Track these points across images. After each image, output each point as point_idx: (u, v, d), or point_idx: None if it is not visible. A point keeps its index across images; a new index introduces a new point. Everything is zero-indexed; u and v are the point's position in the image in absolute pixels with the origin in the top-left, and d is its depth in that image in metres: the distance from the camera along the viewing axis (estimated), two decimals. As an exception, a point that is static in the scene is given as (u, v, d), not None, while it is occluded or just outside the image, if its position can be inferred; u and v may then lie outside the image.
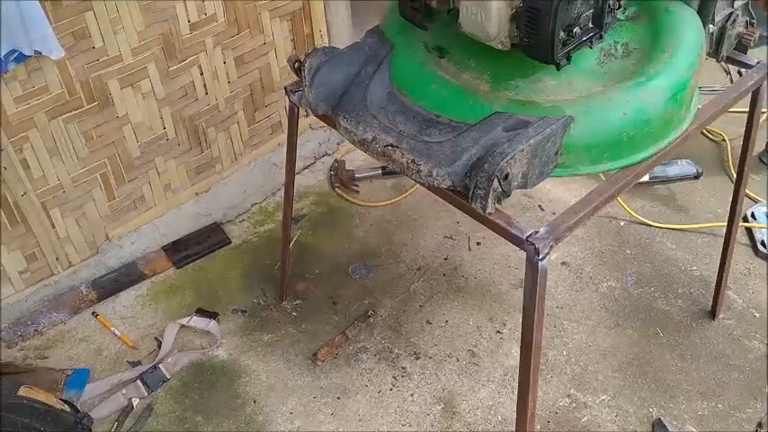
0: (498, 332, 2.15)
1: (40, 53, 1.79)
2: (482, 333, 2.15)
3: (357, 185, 2.63)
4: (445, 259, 2.38)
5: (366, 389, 2.02)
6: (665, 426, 1.88)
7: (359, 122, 1.47)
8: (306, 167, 2.73)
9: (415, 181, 1.41)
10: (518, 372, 1.45)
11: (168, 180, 2.39)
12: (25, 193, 2.03)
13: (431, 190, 1.41)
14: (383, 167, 2.66)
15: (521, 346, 1.45)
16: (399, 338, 2.14)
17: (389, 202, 2.58)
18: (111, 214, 2.28)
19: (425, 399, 1.99)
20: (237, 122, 2.50)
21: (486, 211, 1.31)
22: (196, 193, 2.50)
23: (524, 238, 1.33)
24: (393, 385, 2.03)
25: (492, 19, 1.35)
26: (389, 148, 1.41)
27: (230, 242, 2.45)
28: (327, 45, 1.98)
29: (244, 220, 2.54)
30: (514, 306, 2.22)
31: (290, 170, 1.92)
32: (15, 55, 1.79)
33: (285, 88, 1.72)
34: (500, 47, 1.40)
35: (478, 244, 2.43)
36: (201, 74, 2.30)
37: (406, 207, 2.57)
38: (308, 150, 2.74)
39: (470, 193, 1.32)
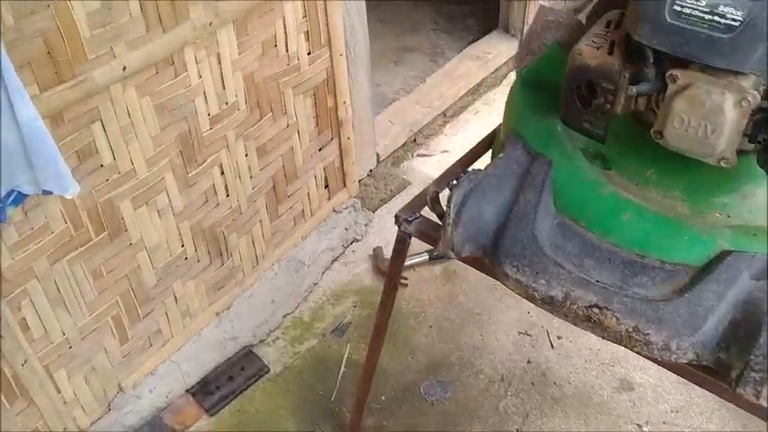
0: (618, 453, 1.82)
1: (51, 192, 1.32)
2: (600, 457, 1.81)
3: (404, 278, 2.24)
4: (528, 362, 2.03)
5: None
6: None
7: (537, 273, 1.10)
8: (335, 260, 2.33)
9: (639, 353, 1.05)
10: None
11: (186, 305, 1.94)
12: (26, 362, 1.55)
13: (660, 364, 1.06)
14: (431, 251, 2.29)
15: None
16: (505, 477, 1.78)
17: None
18: (124, 360, 1.82)
19: None
20: (260, 221, 2.08)
21: (760, 399, 0.98)
22: (216, 314, 2.06)
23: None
24: None
25: (723, 134, 1.01)
26: (595, 310, 1.05)
27: (269, 370, 2.02)
28: (465, 169, 1.58)
29: (278, 338, 2.11)
30: (623, 415, 1.90)
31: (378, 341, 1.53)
32: (14, 196, 1.32)
33: (398, 217, 1.33)
34: (723, 164, 1.06)
35: (559, 338, 2.09)
36: (222, 173, 1.87)
37: (463, 298, 2.21)
38: (333, 238, 2.34)
39: (736, 373, 0.97)
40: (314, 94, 2.08)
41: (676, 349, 1.01)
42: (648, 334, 1.02)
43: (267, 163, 2.01)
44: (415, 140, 2.75)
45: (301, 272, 2.23)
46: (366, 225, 2.43)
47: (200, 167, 1.79)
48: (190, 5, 1.55)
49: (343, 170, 2.35)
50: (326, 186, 2.32)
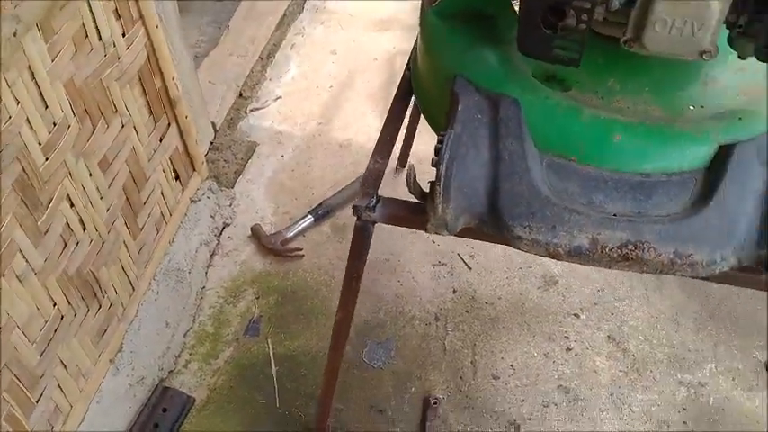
0: (569, 349, 1.85)
1: None
2: (555, 360, 1.83)
3: (296, 249, 2.05)
4: (454, 292, 1.97)
5: (499, 497, 1.61)
6: None
7: (554, 226, 1.00)
8: (213, 254, 2.06)
9: (683, 275, 1.00)
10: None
11: (76, 366, 1.61)
12: None
13: (702, 278, 1.02)
14: (314, 211, 2.10)
15: None
16: (481, 415, 1.74)
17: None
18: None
19: (563, 469, 1.65)
20: (123, 242, 1.75)
21: (812, 282, 0.97)
22: (110, 361, 1.74)
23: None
24: (521, 474, 1.65)
25: (711, 27, 0.95)
26: (630, 247, 0.98)
27: (194, 400, 1.77)
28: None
29: (189, 362, 1.84)
30: (558, 309, 1.93)
31: (343, 329, 1.35)
32: None
33: (356, 208, 1.13)
34: (705, 58, 1.00)
35: (472, 257, 2.05)
36: (72, 205, 1.52)
37: (364, 250, 2.07)
38: (203, 231, 2.06)
39: (784, 267, 0.96)
40: (140, 80, 1.74)
41: (721, 261, 0.97)
42: (691, 255, 0.97)
43: (113, 175, 1.67)
44: (241, 95, 2.47)
45: (184, 281, 1.95)
46: (230, 205, 2.17)
47: (48, 209, 1.43)
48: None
49: (188, 154, 2.04)
50: (177, 178, 2.01)
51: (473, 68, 1.12)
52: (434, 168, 1.01)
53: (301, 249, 2.04)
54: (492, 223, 1.03)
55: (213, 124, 2.28)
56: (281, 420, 1.72)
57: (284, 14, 2.69)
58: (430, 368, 1.81)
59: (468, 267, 2.02)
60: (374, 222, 1.16)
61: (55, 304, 1.51)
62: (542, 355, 1.84)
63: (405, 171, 1.08)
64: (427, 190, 1.04)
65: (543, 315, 1.92)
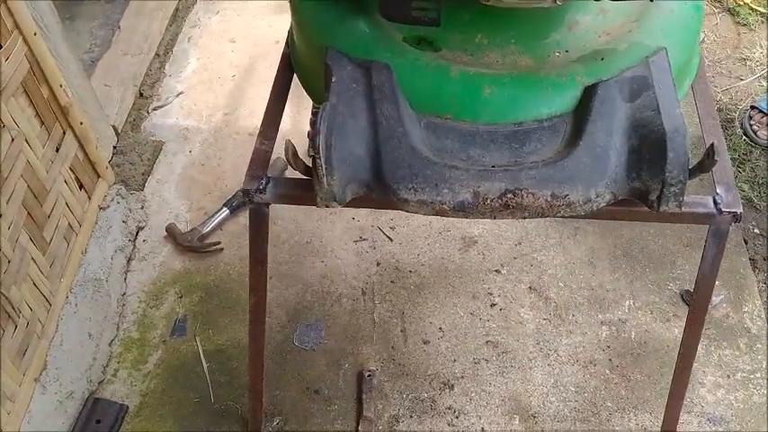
0: (493, 305, 1.89)
1: None
2: (482, 317, 1.87)
3: (215, 243, 2.03)
4: (378, 265, 1.99)
5: (439, 456, 1.64)
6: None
7: (436, 184, 1.01)
8: (130, 259, 2.02)
9: (563, 217, 1.03)
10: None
11: (1, 391, 1.57)
12: None
13: (582, 217, 1.05)
14: (228, 203, 2.08)
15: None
16: (415, 380, 1.76)
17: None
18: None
19: (497, 421, 1.69)
20: (32, 258, 1.71)
21: (683, 209, 1.01)
22: (35, 380, 1.70)
23: (717, 210, 1.07)
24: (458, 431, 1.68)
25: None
26: (509, 196, 1.00)
27: (128, 407, 1.74)
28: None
29: (118, 370, 1.81)
30: (480, 268, 1.96)
31: (259, 305, 1.34)
32: None
33: (246, 191, 1.13)
34: (559, 3, 1.02)
35: (392, 228, 2.07)
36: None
37: (285, 234, 2.06)
38: (116, 237, 2.02)
39: (655, 195, 1.00)
40: (25, 91, 1.68)
41: (596, 197, 1.00)
42: (567, 195, 1.00)
43: (10, 192, 1.62)
44: (142, 95, 2.42)
45: (102, 290, 1.91)
46: (142, 208, 2.13)
47: (-61, 234, 1.39)
48: None
49: (90, 161, 1.99)
50: (81, 187, 1.96)
51: (344, 39, 1.12)
52: (309, 139, 1.01)
53: (219, 243, 2.02)
54: (378, 189, 1.04)
55: (114, 128, 2.23)
56: (218, 416, 1.72)
57: (177, 8, 2.64)
58: (361, 342, 1.83)
59: (390, 239, 2.04)
60: (267, 204, 1.15)
61: (-35, 332, 1.46)
62: (469, 314, 1.87)
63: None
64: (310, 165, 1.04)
65: (466, 275, 1.95)
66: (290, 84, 1.30)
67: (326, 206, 1.06)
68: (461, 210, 1.01)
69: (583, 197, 1.00)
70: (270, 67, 2.51)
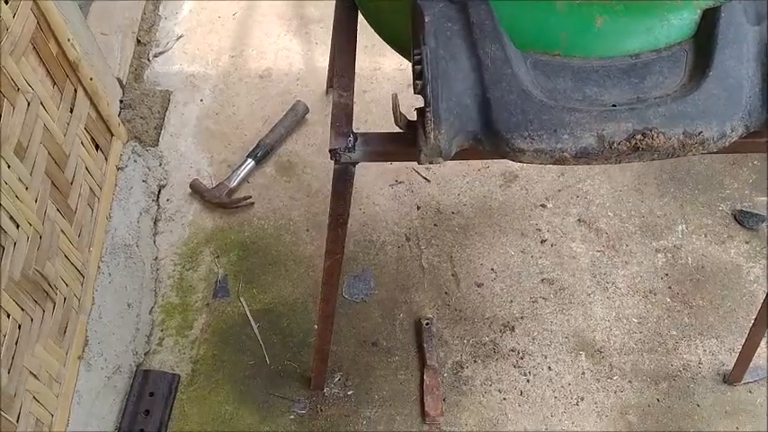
0: (543, 241, 1.83)
1: None
2: (533, 254, 1.81)
3: (245, 198, 1.92)
4: (418, 208, 1.91)
5: (510, 402, 1.61)
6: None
7: (555, 130, 0.92)
8: (156, 220, 1.91)
9: (695, 154, 0.95)
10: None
11: (47, 373, 1.48)
12: None
13: (715, 152, 0.97)
14: (252, 154, 1.96)
15: None
16: (473, 324, 1.72)
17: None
18: (26, 484, 1.37)
19: (563, 359, 1.66)
20: (62, 230, 1.59)
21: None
22: (79, 357, 1.62)
23: None
24: (525, 373, 1.64)
25: None
26: (638, 137, 0.92)
27: (180, 377, 1.67)
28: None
29: (163, 339, 1.73)
30: (525, 204, 1.89)
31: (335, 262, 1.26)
32: None
33: (333, 151, 1.03)
34: None
35: (428, 168, 1.98)
36: (11, 219, 1.35)
37: (316, 183, 1.96)
38: (139, 199, 1.90)
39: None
40: (35, 48, 1.53)
41: (731, 132, 0.93)
42: (701, 132, 0.91)
43: (32, 161, 1.50)
44: (139, 42, 2.25)
45: (134, 255, 1.80)
46: (161, 165, 2.00)
47: (-25, 216, 1.27)
48: None
49: (102, 119, 1.85)
50: (97, 147, 1.82)
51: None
52: (417, 93, 0.91)
53: (250, 197, 1.91)
54: (488, 140, 0.94)
55: (119, 80, 2.07)
56: (276, 376, 1.65)
57: (164, -57, 2.43)
58: (413, 290, 1.77)
59: (427, 180, 1.95)
60: (355, 163, 1.05)
61: (9, 315, 1.36)
62: (519, 252, 1.81)
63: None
64: (412, 118, 0.94)
65: (511, 212, 1.88)
66: (356, 24, 1.18)
67: (430, 163, 0.96)
68: (584, 156, 0.93)
69: (718, 133, 0.92)
70: (273, 0, 2.35)
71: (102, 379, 1.64)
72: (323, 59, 2.17)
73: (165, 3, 2.38)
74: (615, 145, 0.92)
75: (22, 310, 1.40)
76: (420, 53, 0.91)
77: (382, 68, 2.15)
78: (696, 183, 1.90)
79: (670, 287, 1.74)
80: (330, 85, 2.08)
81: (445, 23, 0.96)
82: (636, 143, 0.91)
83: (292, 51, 2.21)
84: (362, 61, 2.01)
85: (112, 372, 1.66)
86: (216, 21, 2.33)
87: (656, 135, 0.91)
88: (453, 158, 0.97)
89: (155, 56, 2.25)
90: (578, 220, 1.86)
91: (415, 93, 0.91)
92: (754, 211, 1.81)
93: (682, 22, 0.97)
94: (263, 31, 2.28)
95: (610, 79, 0.96)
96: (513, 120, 0.92)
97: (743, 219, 1.81)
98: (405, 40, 1.04)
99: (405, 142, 0.98)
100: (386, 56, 2.14)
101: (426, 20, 0.96)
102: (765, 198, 1.84)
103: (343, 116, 1.05)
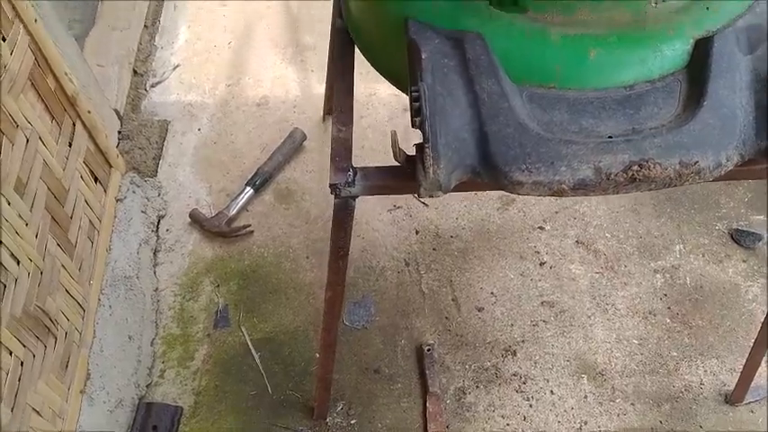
0: (542, 263, 1.84)
1: None
2: (533, 277, 1.82)
3: (245, 226, 1.92)
4: (417, 233, 1.91)
5: (513, 428, 1.61)
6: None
7: (552, 163, 0.93)
8: (156, 251, 1.91)
9: (691, 184, 0.96)
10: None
11: (50, 409, 1.48)
12: None
13: (710, 181, 0.98)
14: (251, 182, 1.97)
15: None
16: (475, 349, 1.72)
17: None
18: None
19: (565, 382, 1.66)
20: (62, 265, 1.60)
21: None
22: (81, 392, 1.61)
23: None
24: (528, 398, 1.64)
25: None
26: (635, 168, 0.93)
27: (182, 409, 1.66)
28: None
29: (165, 371, 1.73)
30: (523, 227, 1.90)
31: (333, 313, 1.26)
32: None
33: (334, 186, 1.03)
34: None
35: (425, 193, 1.98)
36: (11, 256, 1.36)
37: (315, 210, 1.97)
38: (138, 230, 1.90)
39: (787, 153, 0.93)
40: (33, 84, 1.54)
41: (726, 161, 0.94)
42: (697, 162, 0.93)
43: (32, 197, 1.50)
44: (135, 72, 2.26)
45: (134, 287, 1.80)
46: (159, 195, 2.01)
47: (-23, 257, 1.27)
48: None
49: (101, 151, 1.86)
50: (96, 180, 1.83)
51: (423, 8, 1.02)
52: (415, 128, 0.92)
53: (249, 225, 1.92)
54: (487, 173, 0.95)
55: (117, 111, 2.08)
56: (279, 406, 1.65)
57: (159, -28, 2.46)
58: (413, 316, 1.77)
59: (425, 204, 1.96)
60: (355, 197, 1.06)
61: (11, 353, 1.36)
62: (519, 275, 1.82)
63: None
64: (411, 153, 0.95)
65: (509, 235, 1.89)
66: (353, 58, 1.19)
67: (430, 196, 0.97)
68: (582, 188, 0.94)
69: (713, 162, 0.93)
70: (267, 28, 2.37)
71: (104, 413, 1.63)
72: (319, 86, 2.18)
73: (161, 33, 2.40)
74: (612, 176, 0.93)
75: (24, 346, 1.40)
76: (418, 90, 0.92)
77: (378, 94, 2.16)
78: (692, 202, 1.91)
79: (669, 307, 1.75)
80: (327, 111, 2.09)
81: (441, 59, 0.98)
82: (633, 174, 0.92)
83: (288, 79, 2.23)
84: (358, 87, 2.00)
85: (115, 405, 1.65)
86: (212, 50, 2.34)
87: (652, 166, 0.92)
88: (453, 190, 0.98)
89: (152, 86, 2.26)
90: (576, 241, 1.87)
91: (413, 128, 0.92)
92: (751, 230, 1.82)
93: (675, 53, 0.98)
94: (259, 60, 2.30)
95: (605, 111, 0.97)
96: (510, 153, 0.94)
97: (739, 238, 1.82)
98: (400, 73, 1.06)
99: (404, 176, 0.99)
100: (381, 81, 2.11)
101: (423, 56, 0.97)
102: (761, 217, 1.85)
103: (342, 150, 1.06)
